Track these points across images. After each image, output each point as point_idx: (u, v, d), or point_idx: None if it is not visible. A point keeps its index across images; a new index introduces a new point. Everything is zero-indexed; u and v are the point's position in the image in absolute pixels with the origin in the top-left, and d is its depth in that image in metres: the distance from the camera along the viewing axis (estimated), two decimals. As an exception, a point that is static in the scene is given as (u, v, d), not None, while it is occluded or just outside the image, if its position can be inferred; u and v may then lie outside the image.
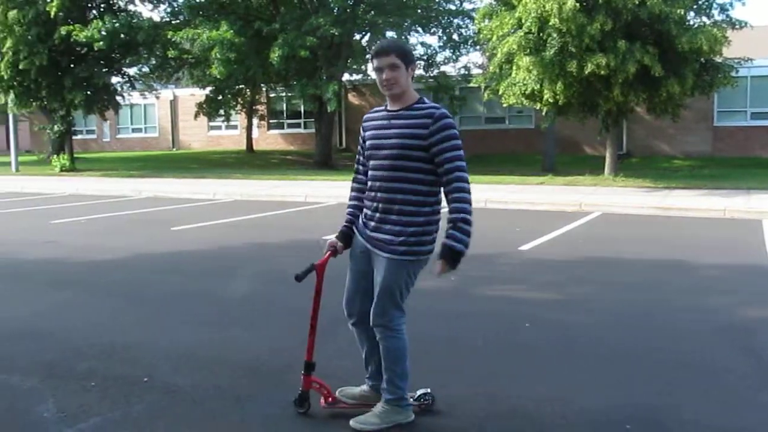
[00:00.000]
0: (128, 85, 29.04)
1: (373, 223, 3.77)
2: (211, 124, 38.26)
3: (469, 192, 3.61)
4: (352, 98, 34.83)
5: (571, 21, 15.88)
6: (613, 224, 12.20)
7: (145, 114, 42.39)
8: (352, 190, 4.02)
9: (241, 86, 29.50)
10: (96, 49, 23.83)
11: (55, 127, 27.06)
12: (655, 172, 21.11)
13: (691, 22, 17.93)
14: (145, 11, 46.60)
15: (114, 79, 27.79)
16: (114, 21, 23.69)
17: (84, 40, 23.16)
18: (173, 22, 25.84)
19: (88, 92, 25.87)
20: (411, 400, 3.93)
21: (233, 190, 17.88)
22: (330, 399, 4.04)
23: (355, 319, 3.93)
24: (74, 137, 30.07)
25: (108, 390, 4.41)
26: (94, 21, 23.91)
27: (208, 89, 29.30)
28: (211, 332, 5.67)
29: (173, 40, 23.48)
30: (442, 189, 3.69)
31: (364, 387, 4.09)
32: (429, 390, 4.07)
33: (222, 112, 31.45)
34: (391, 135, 3.68)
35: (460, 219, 3.57)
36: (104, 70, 26.20)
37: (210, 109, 29.86)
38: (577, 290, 7.31)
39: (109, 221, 13.23)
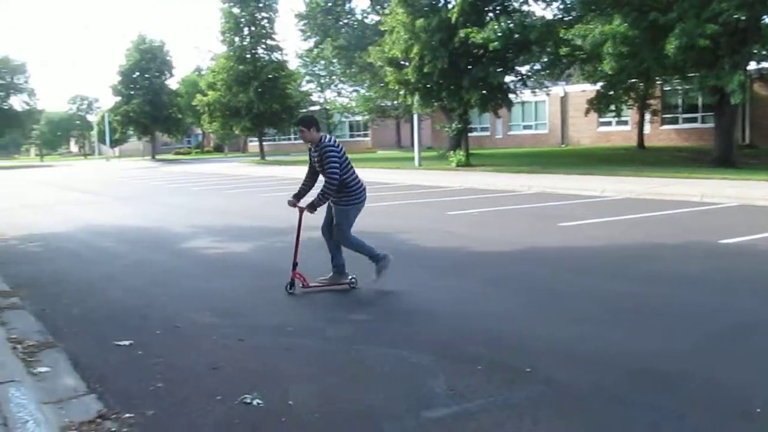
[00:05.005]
0: (520, 83, 30.00)
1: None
2: (601, 120, 37.89)
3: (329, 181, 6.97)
4: (758, 88, 31.73)
5: None
6: None
7: (535, 111, 43.53)
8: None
9: (633, 80, 28.64)
10: (491, 49, 25.01)
11: (453, 125, 29.19)
12: None
13: None
14: (538, 10, 47.70)
15: (507, 78, 28.90)
16: (508, 21, 24.65)
17: (480, 41, 24.52)
18: (565, 19, 25.99)
19: (483, 92, 27.30)
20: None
21: (622, 187, 17.41)
22: (306, 285, 7.10)
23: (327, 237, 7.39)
24: (469, 134, 31.92)
25: (492, 375, 4.62)
26: (490, 23, 25.14)
27: (599, 85, 29.02)
28: (594, 329, 5.60)
29: (565, 37, 23.63)
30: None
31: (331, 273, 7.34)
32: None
33: (613, 107, 31.01)
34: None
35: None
36: (498, 69, 27.38)
37: (600, 104, 29.69)
38: None
39: (499, 214, 13.83)
